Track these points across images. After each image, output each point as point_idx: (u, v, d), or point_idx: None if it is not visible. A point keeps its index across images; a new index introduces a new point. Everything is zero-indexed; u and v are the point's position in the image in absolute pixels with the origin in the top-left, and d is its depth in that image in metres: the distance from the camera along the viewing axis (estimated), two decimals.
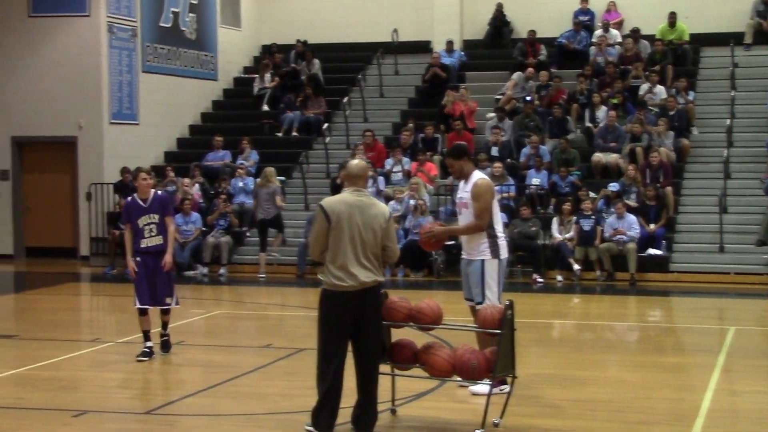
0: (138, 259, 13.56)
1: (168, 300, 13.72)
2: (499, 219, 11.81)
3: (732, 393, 12.27)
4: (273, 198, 23.68)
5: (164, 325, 13.92)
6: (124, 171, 25.31)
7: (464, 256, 11.84)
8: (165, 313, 13.82)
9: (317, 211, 9.91)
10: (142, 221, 13.54)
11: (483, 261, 11.59)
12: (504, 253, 11.76)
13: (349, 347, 9.79)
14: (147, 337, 13.73)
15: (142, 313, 13.65)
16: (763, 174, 23.48)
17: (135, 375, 13.15)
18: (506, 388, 10.73)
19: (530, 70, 27.82)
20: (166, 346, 13.90)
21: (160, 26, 28.43)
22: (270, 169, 24.53)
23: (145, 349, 13.68)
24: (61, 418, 10.86)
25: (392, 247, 9.93)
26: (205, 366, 13.66)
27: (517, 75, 27.77)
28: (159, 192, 14.02)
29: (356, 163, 10.28)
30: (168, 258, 13.57)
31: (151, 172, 14.35)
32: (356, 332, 9.82)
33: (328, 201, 9.98)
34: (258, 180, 24.60)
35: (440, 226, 12.35)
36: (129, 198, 14.04)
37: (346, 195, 9.95)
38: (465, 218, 11.74)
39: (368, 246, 9.77)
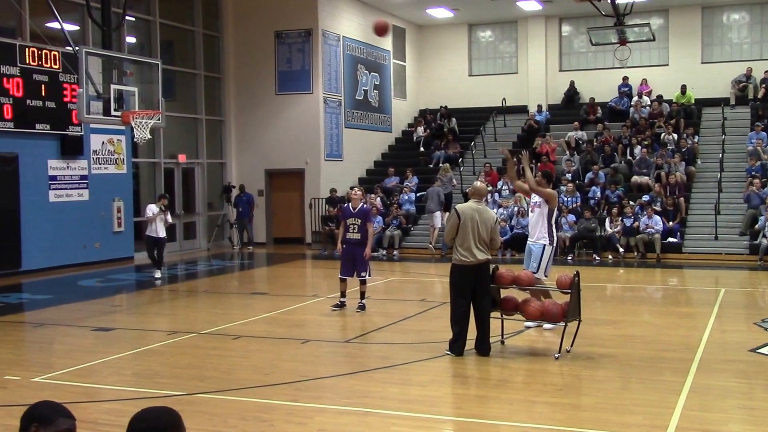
0: (344, 246, 13.58)
1: (363, 273, 13.44)
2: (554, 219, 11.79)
3: (722, 331, 11.89)
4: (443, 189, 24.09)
5: (362, 295, 13.64)
6: (332, 190, 25.63)
7: (529, 242, 11.85)
8: (362, 283, 13.57)
9: (452, 212, 10.02)
10: (349, 221, 13.47)
11: (544, 245, 11.59)
12: (554, 241, 11.75)
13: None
14: (343, 294, 13.78)
15: (342, 280, 13.69)
16: (744, 189, 22.69)
17: (337, 318, 13.29)
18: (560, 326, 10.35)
19: (576, 123, 27.53)
20: (361, 308, 13.53)
21: (355, 98, 28.66)
22: (446, 165, 25.54)
23: (338, 303, 13.78)
24: (294, 344, 11.08)
25: (496, 239, 10.00)
26: (384, 312, 13.72)
27: (572, 132, 27.34)
28: (365, 205, 13.86)
29: (479, 184, 10.40)
30: (368, 250, 13.42)
31: (362, 189, 14.37)
32: (474, 291, 9.84)
33: (460, 206, 10.10)
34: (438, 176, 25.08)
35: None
36: (344, 205, 14.10)
37: (471, 203, 10.03)
38: (535, 215, 11.76)
39: (482, 236, 9.81)
